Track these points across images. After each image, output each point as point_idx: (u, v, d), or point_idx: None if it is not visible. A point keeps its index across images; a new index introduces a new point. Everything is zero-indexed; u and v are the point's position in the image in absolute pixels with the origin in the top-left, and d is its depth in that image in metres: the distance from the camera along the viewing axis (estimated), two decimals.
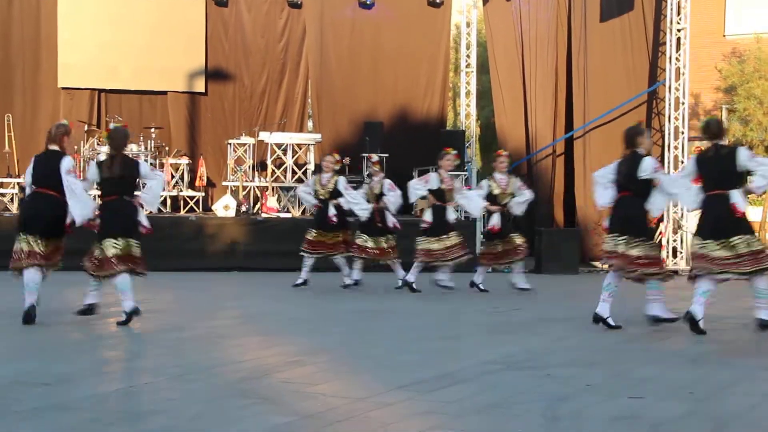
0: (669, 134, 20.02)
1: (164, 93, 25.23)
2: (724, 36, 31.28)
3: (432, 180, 16.16)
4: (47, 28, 24.67)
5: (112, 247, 12.09)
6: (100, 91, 25.01)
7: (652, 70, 20.70)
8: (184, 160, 22.73)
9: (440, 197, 16.02)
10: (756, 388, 8.15)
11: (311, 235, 16.52)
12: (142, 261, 12.33)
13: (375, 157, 18.70)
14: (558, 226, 22.26)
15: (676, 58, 19.99)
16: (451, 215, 16.17)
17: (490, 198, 15.93)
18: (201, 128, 24.98)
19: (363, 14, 25.24)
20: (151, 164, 21.92)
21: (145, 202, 13.01)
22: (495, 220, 15.85)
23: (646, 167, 11.57)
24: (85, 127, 23.18)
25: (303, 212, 21.75)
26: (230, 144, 23.00)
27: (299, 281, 16.52)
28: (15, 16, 24.71)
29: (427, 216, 16.14)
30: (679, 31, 19.98)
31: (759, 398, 7.78)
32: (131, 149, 21.72)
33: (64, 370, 8.94)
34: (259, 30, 25.56)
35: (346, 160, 22.53)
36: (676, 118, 19.98)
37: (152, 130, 22.82)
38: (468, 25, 26.15)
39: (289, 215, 21.40)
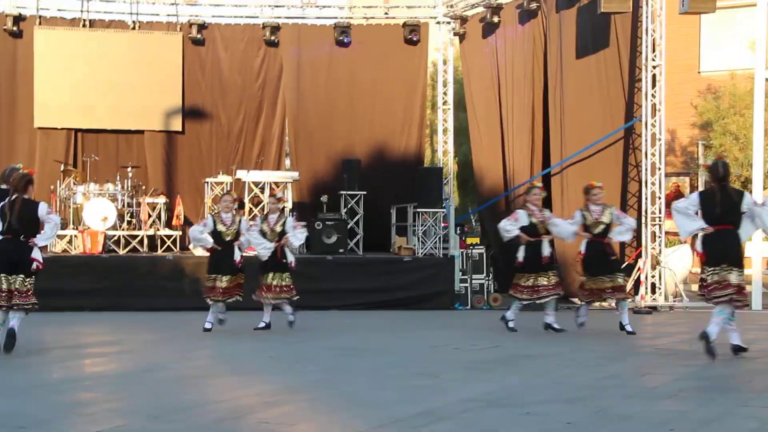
0: (646, 170, 20.05)
1: (141, 132, 25.23)
2: (699, 72, 31.49)
3: (521, 217, 15.71)
4: (24, 67, 24.69)
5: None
6: (77, 130, 25.01)
7: (628, 107, 20.76)
8: (161, 199, 22.70)
9: (533, 232, 15.63)
10: (735, 425, 8.14)
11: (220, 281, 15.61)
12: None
13: (279, 194, 18.46)
14: None
15: (652, 95, 20.06)
16: (546, 250, 15.60)
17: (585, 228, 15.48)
18: (178, 167, 24.98)
19: (340, 52, 25.33)
20: (128, 203, 21.95)
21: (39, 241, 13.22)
22: (583, 247, 15.60)
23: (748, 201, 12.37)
24: (61, 167, 23.14)
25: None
26: (207, 182, 22.98)
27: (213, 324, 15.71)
28: None
29: (521, 253, 15.61)
30: (654, 67, 20.06)
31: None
32: (108, 188, 21.73)
33: (40, 412, 8.89)
34: (236, 68, 25.61)
35: (324, 198, 22.57)
36: (653, 154, 20.03)
37: (129, 169, 22.80)
38: (445, 62, 26.28)
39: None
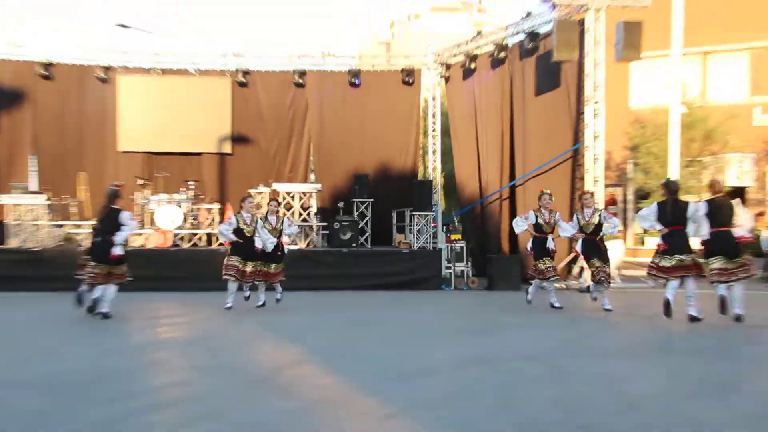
0: (590, 182, 20.09)
1: (200, 154, 25.23)
2: (629, 107, 31.52)
3: (530, 216, 15.75)
4: (110, 105, 24.71)
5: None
6: (151, 153, 25.01)
7: (575, 133, 20.74)
8: (215, 205, 22.73)
9: (539, 230, 15.66)
10: (656, 376, 8.22)
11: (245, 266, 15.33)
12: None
13: (279, 200, 18.19)
14: (504, 254, 22.25)
15: (594, 124, 20.08)
16: (550, 244, 15.66)
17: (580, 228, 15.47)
18: (228, 180, 24.99)
19: (352, 91, 25.33)
20: (190, 209, 22.01)
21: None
22: (579, 246, 15.62)
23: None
24: (140, 181, 23.20)
25: (307, 244, 21.77)
26: (251, 193, 23.01)
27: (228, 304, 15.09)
28: (87, 97, 24.78)
29: (530, 245, 15.78)
30: (595, 103, 20.06)
31: (659, 384, 7.85)
32: (175, 197, 21.78)
33: (127, 366, 8.98)
34: (272, 104, 25.60)
35: (340, 204, 22.61)
36: (595, 170, 20.06)
37: (191, 183, 22.81)
38: (434, 99, 26.28)
39: (296, 246, 21.37)
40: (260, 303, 15.68)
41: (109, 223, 14.18)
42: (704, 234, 13.71)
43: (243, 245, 15.27)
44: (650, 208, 14.07)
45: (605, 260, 15.28)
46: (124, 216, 14.28)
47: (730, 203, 13.72)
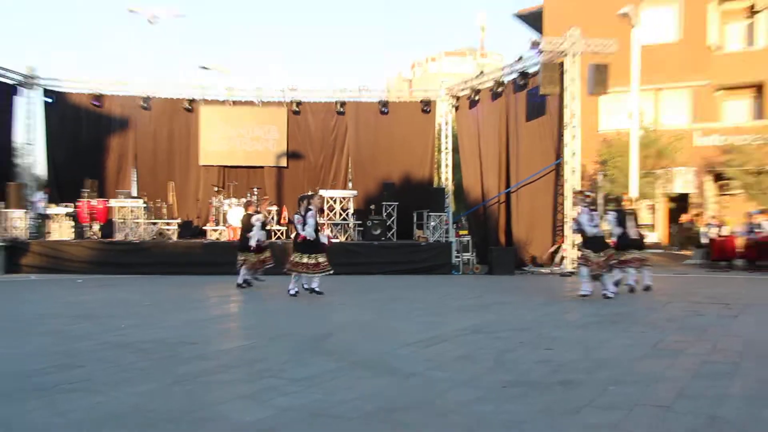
0: (568, 190, 19.99)
1: (262, 167, 25.32)
2: (599, 131, 31.40)
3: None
4: (194, 129, 24.90)
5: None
6: (224, 166, 25.14)
7: (557, 151, 20.64)
8: (274, 207, 22.82)
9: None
10: (620, 342, 8.18)
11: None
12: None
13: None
14: (502, 246, 22.17)
15: (571, 144, 19.98)
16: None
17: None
18: (284, 188, 25.06)
19: (381, 118, 25.31)
20: (257, 211, 22.07)
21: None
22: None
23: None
24: (215, 189, 23.32)
25: (346, 238, 21.79)
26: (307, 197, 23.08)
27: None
28: (176, 123, 24.97)
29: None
30: (573, 127, 19.96)
31: (622, 348, 7.80)
32: (243, 201, 21.88)
33: (202, 335, 9.01)
34: (319, 128, 25.64)
35: (372, 206, 22.64)
36: (572, 180, 19.96)
37: (255, 189, 22.91)
38: (446, 123, 26.23)
39: (337, 240, 21.37)
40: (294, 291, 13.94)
41: (242, 227, 15.96)
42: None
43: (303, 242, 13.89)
44: (611, 214, 14.82)
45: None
46: (255, 217, 15.78)
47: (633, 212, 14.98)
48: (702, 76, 31.40)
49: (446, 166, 26.26)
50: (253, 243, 15.62)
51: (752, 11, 32.58)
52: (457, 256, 21.40)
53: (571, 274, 18.67)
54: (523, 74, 21.55)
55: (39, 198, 22.95)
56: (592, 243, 13.59)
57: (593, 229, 13.62)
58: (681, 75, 31.44)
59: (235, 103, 25.45)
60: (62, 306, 12.64)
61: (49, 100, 23.91)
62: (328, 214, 22.70)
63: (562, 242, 19.19)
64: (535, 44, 20.70)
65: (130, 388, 5.99)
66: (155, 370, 6.76)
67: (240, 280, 15.63)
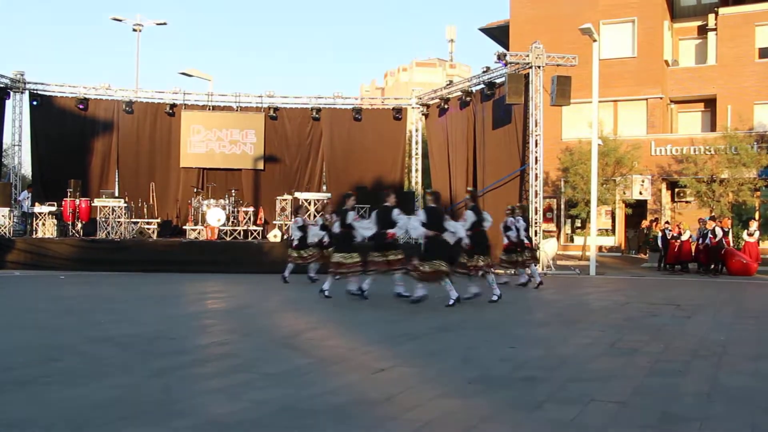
0: (532, 194, 20.07)
1: (240, 169, 25.20)
2: (561, 139, 31.59)
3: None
4: (175, 133, 24.74)
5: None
6: (203, 168, 25.00)
7: (521, 157, 20.72)
8: (251, 209, 22.71)
9: None
10: (579, 341, 8.20)
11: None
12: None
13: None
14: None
15: (535, 151, 20.06)
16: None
17: None
18: (261, 189, 24.94)
19: (355, 124, 25.31)
20: (231, 211, 21.97)
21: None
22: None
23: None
24: (195, 190, 23.17)
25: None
26: (277, 199, 22.97)
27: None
28: (157, 126, 24.81)
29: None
30: (536, 135, 20.05)
31: (582, 346, 7.82)
32: (221, 202, 21.76)
33: (181, 331, 8.92)
34: (295, 133, 25.57)
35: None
36: (536, 186, 20.04)
37: (233, 191, 22.80)
38: (416, 130, 26.33)
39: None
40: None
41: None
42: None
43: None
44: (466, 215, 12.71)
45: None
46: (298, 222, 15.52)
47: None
48: (657, 90, 31.75)
49: (416, 170, 26.30)
50: (313, 239, 15.55)
51: (704, 30, 33.03)
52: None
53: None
54: (490, 85, 21.63)
55: (24, 197, 22.68)
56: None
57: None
58: (638, 88, 31.77)
59: (214, 108, 25.33)
60: (45, 302, 12.47)
61: (35, 103, 23.60)
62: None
63: (529, 245, 19.25)
64: (501, 57, 20.82)
65: (107, 380, 5.90)
66: (133, 363, 6.67)
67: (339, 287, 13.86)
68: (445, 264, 11.63)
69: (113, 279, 17.20)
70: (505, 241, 16.08)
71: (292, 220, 16.96)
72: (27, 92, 23.59)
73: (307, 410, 5.07)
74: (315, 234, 15.66)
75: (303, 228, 16.13)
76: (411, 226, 12.49)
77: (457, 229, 11.90)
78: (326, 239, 15.38)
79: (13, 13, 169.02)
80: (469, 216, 12.59)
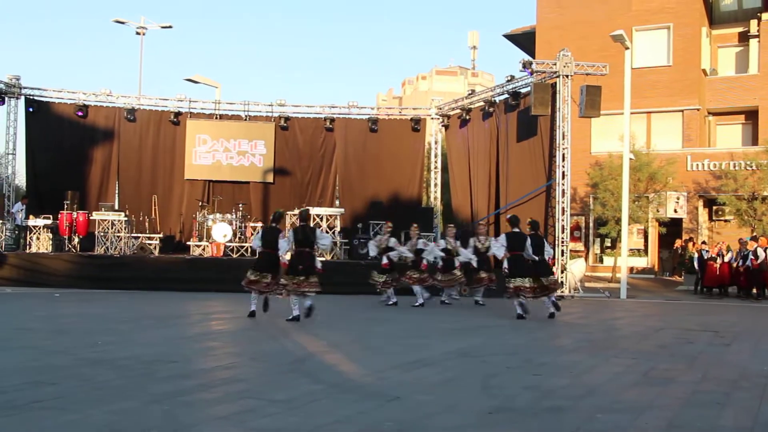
0: (558, 212, 20.03)
1: (248, 183, 25.31)
2: (590, 153, 31.50)
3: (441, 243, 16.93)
4: (179, 143, 24.88)
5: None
6: (209, 181, 25.11)
7: (548, 172, 20.72)
8: (259, 224, 22.72)
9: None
10: (609, 369, 8.14)
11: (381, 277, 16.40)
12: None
13: (389, 223, 17.69)
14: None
15: (562, 166, 20.03)
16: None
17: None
18: (270, 204, 24.95)
19: (370, 135, 25.39)
20: (239, 226, 22.00)
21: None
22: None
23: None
24: (200, 204, 23.26)
25: (333, 257, 21.66)
26: (288, 214, 23.00)
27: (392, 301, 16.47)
28: (161, 136, 24.96)
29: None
30: (564, 149, 20.04)
31: (612, 375, 7.77)
32: (227, 217, 21.80)
33: (184, 353, 8.93)
34: (307, 144, 25.68)
35: (359, 225, 22.63)
36: (563, 202, 20.00)
37: (240, 205, 22.86)
38: (436, 142, 26.39)
39: (322, 258, 21.30)
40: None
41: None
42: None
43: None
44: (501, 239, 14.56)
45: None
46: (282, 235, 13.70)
47: (526, 236, 14.28)
48: (694, 101, 31.62)
49: (435, 185, 26.31)
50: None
51: (745, 36, 32.89)
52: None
53: (561, 297, 18.64)
54: (515, 94, 21.63)
55: (18, 209, 22.81)
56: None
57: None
58: (673, 99, 31.63)
59: (222, 117, 25.46)
60: (38, 320, 12.52)
61: (30, 110, 23.78)
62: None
63: (553, 265, 19.17)
64: (526, 65, 20.81)
65: (104, 406, 5.90)
66: (131, 388, 6.67)
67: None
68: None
69: (112, 297, 17.26)
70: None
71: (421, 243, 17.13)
72: (23, 98, 23.79)
73: None
74: (432, 253, 16.78)
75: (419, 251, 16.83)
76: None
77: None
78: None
79: (7, 13, 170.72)
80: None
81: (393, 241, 16.56)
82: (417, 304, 16.18)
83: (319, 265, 12.91)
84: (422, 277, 16.54)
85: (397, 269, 16.70)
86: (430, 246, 16.85)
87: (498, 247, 14.57)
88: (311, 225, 14.44)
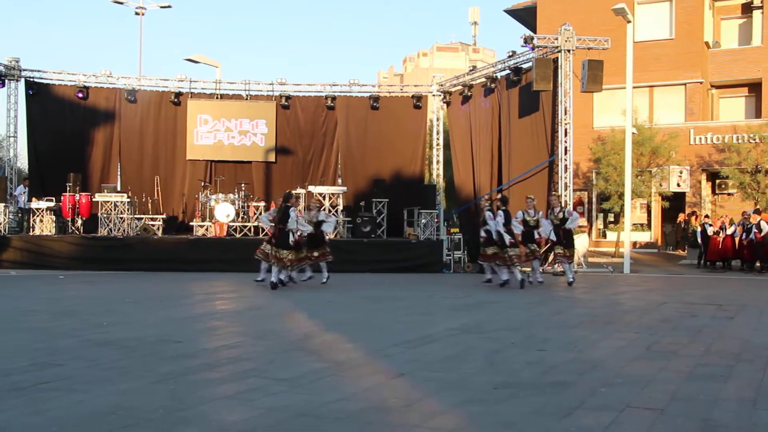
0: (561, 187, 20.02)
1: (250, 162, 25.26)
2: (593, 128, 31.44)
3: (519, 215, 16.16)
4: (181, 123, 24.77)
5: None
6: (211, 161, 25.05)
7: (550, 148, 20.66)
8: (262, 203, 22.71)
9: (526, 225, 16.13)
10: (613, 344, 8.17)
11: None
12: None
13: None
14: None
15: (565, 141, 20.00)
16: (536, 235, 16.32)
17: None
18: (272, 183, 24.94)
19: (372, 113, 25.27)
20: (241, 206, 22.00)
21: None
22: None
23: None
24: (202, 184, 23.26)
25: (336, 235, 21.68)
26: (291, 193, 23.01)
27: None
28: (162, 116, 24.85)
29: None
30: (566, 124, 19.99)
31: (615, 349, 7.80)
32: (230, 197, 21.81)
33: (188, 334, 8.97)
34: (309, 122, 25.58)
35: (362, 203, 22.65)
36: (565, 178, 19.99)
37: (243, 185, 22.85)
38: (438, 119, 26.26)
39: (327, 237, 21.37)
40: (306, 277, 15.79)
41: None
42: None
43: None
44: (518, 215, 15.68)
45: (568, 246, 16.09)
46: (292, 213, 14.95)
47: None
48: (697, 74, 31.49)
49: (437, 162, 26.26)
50: None
51: (749, 8, 32.68)
52: (448, 254, 21.41)
53: (563, 273, 18.69)
54: (516, 70, 21.55)
55: (20, 192, 22.84)
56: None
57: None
58: (675, 72, 31.51)
59: (222, 96, 25.37)
60: (43, 302, 12.57)
61: (30, 92, 23.70)
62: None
63: (556, 241, 19.20)
64: (528, 40, 20.71)
65: (111, 386, 5.94)
66: (137, 368, 6.71)
67: None
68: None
69: (115, 279, 17.31)
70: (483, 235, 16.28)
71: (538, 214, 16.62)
72: (23, 80, 23.69)
73: (323, 417, 5.08)
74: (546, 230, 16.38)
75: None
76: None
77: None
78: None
79: None
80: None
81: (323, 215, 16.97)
82: (499, 281, 15.59)
83: (290, 240, 14.87)
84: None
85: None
86: (544, 223, 16.19)
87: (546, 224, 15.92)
88: (290, 206, 15.02)
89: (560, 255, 16.08)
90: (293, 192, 16.87)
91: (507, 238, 15.34)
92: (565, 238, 16.04)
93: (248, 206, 22.50)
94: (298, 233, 15.22)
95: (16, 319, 10.30)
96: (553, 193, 16.89)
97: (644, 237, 31.89)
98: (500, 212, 15.72)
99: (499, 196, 16.39)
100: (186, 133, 24.83)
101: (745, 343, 8.31)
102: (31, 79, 23.79)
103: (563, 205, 15.79)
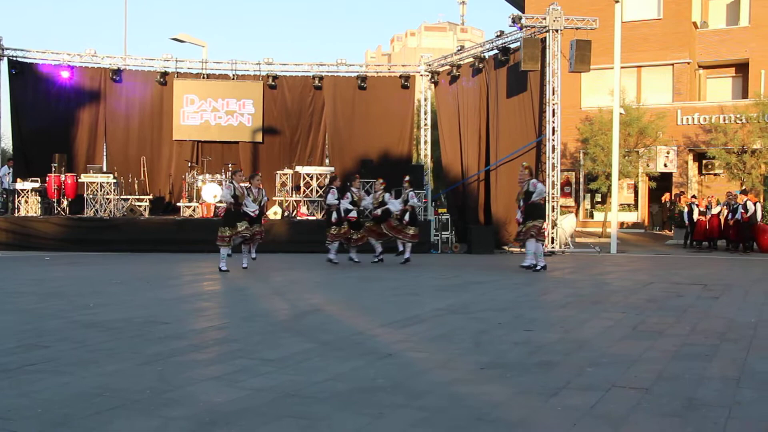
0: (549, 167, 20.05)
1: (237, 142, 25.21)
2: (581, 108, 31.49)
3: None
4: (167, 103, 24.74)
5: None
6: (198, 141, 25.03)
7: (538, 128, 20.69)
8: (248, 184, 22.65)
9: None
10: (599, 324, 8.21)
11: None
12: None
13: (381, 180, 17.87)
14: (481, 224, 22.25)
15: (552, 121, 20.03)
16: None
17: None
18: (259, 164, 24.90)
19: (359, 93, 25.27)
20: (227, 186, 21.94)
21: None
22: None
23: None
24: (189, 164, 23.18)
25: (323, 216, 21.67)
26: (277, 174, 22.98)
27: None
28: (148, 96, 24.78)
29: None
30: (554, 104, 20.01)
31: (602, 329, 7.84)
32: (217, 177, 21.74)
33: (176, 315, 8.95)
34: (296, 102, 25.54)
35: (349, 184, 22.63)
36: (553, 158, 20.02)
37: (229, 165, 22.79)
38: (425, 99, 26.26)
39: (314, 218, 21.36)
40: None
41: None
42: None
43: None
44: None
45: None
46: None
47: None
48: (684, 54, 31.54)
49: (425, 142, 26.26)
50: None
51: None
52: (435, 235, 21.44)
53: (552, 253, 18.76)
54: (504, 50, 21.54)
55: (4, 172, 22.71)
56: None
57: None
58: (663, 52, 31.58)
59: (209, 76, 25.27)
60: (29, 284, 12.52)
61: (14, 71, 23.47)
62: (304, 191, 22.65)
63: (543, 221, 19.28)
64: (516, 20, 20.68)
65: (97, 368, 5.93)
66: (124, 350, 6.70)
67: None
68: None
69: (102, 260, 17.27)
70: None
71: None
72: (5, 59, 23.48)
73: (311, 398, 5.09)
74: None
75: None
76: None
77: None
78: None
79: None
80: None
81: (387, 197, 16.74)
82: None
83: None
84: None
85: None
86: (393, 202, 16.82)
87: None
88: (253, 188, 15.36)
89: (523, 233, 14.81)
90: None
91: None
92: (528, 212, 14.67)
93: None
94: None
95: (1, 301, 10.27)
96: (523, 163, 16.03)
97: (631, 217, 32.02)
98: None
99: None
100: (172, 113, 24.76)
101: (729, 323, 8.36)
102: (14, 58, 23.56)
103: (529, 176, 14.71)
